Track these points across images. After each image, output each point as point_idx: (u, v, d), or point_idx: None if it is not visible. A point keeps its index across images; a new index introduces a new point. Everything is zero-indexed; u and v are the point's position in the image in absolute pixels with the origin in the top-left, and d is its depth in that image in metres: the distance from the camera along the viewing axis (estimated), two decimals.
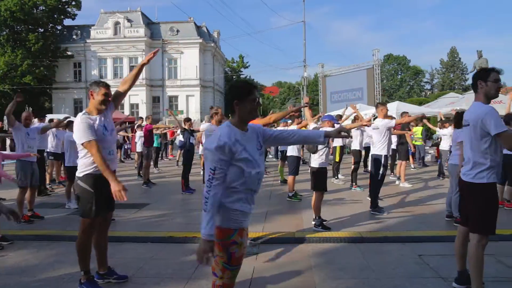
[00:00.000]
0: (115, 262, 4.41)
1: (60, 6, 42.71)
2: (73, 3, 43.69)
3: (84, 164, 3.73)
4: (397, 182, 10.44)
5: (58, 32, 44.52)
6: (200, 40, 43.55)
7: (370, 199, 7.21)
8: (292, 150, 8.59)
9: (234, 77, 59.77)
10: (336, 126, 6.19)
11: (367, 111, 16.55)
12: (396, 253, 4.84)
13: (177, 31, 44.15)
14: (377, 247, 5.13)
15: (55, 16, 43.49)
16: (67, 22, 45.02)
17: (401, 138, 10.59)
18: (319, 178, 6.10)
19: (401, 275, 4.12)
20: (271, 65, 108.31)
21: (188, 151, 9.68)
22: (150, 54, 3.78)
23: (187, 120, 10.17)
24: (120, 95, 4.04)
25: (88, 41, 43.00)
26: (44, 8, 41.63)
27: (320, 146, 6.06)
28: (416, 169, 14.00)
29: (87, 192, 3.70)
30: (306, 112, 6.79)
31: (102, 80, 3.26)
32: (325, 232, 5.80)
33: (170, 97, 44.52)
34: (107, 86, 3.86)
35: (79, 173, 3.76)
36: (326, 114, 6.68)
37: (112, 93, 3.93)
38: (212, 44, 46.55)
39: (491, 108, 3.33)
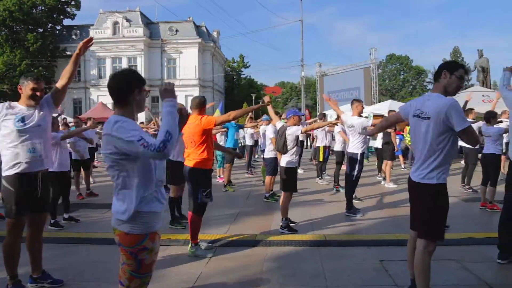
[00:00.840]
0: (59, 265, 4.20)
1: (59, 6, 42.67)
2: (72, 3, 43.64)
3: (6, 162, 3.51)
4: (382, 183, 10.14)
5: (57, 32, 44.50)
6: (199, 40, 43.35)
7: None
8: (268, 151, 8.34)
9: (234, 77, 59.62)
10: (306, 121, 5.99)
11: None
12: (358, 258, 4.58)
13: (176, 30, 43.97)
14: (340, 251, 4.86)
15: (55, 16, 43.47)
16: (66, 22, 45.06)
17: (385, 137, 10.26)
18: (287, 178, 5.84)
19: (354, 283, 3.86)
20: (267, 65, 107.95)
21: None
22: (81, 43, 3.49)
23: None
24: (58, 91, 3.78)
25: None
26: (43, 8, 41.60)
27: (290, 146, 5.83)
28: (406, 169, 13.66)
29: (8, 191, 3.49)
30: (270, 111, 6.51)
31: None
32: (289, 234, 5.55)
33: None
34: (36, 80, 3.61)
35: (3, 172, 3.54)
36: (290, 110, 6.39)
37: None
38: (211, 44, 46.33)
39: (454, 100, 3.01)
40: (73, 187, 7.66)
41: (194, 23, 45.03)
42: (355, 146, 6.82)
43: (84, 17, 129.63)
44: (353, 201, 7.03)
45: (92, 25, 43.86)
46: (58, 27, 44.89)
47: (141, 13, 43.98)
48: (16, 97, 3.83)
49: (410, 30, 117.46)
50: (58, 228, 6.07)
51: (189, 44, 43.33)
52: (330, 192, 9.08)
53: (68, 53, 43.17)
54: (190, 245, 4.69)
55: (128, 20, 42.72)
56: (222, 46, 53.93)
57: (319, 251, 4.85)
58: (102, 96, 42.91)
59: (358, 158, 6.75)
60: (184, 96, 43.88)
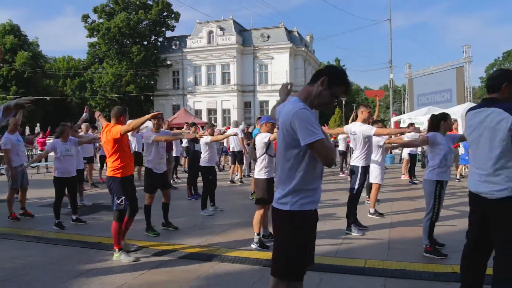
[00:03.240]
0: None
1: (160, 19, 45.80)
2: (172, 15, 46.61)
3: None
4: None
5: (159, 43, 47.73)
6: (290, 45, 43.21)
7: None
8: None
9: None
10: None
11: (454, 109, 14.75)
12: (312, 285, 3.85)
13: (268, 36, 44.38)
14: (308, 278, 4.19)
15: (157, 29, 46.79)
16: (167, 33, 48.13)
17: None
18: (259, 190, 5.38)
19: None
20: (356, 69, 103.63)
21: (192, 158, 9.46)
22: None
23: (192, 125, 10.03)
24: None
25: (184, 50, 45.32)
26: (147, 22, 45.02)
27: (258, 153, 5.43)
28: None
29: None
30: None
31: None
32: (256, 251, 5.04)
33: (261, 102, 44.86)
34: None
35: None
36: (264, 116, 6.07)
37: None
38: (303, 48, 45.90)
39: (303, 108, 2.35)
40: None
41: (285, 28, 45.08)
42: (357, 158, 6.08)
43: (183, 28, 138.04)
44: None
45: (189, 35, 46.20)
46: (160, 39, 48.19)
47: (234, 21, 45.23)
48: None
49: None
50: (60, 228, 6.32)
51: (280, 49, 43.42)
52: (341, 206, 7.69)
53: (168, 62, 46.14)
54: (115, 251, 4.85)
55: (222, 29, 44.21)
56: (316, 50, 53.34)
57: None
58: (197, 103, 45.03)
59: (360, 171, 5.95)
60: (276, 101, 43.97)
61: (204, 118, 41.32)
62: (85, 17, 45.05)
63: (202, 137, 7.60)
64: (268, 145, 5.44)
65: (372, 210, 7.01)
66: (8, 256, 4.99)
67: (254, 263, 4.63)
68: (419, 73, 26.56)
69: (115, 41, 43.69)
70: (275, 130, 5.38)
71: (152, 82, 46.84)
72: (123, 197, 4.84)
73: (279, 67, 43.03)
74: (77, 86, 47.80)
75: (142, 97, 44.75)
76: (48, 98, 36.54)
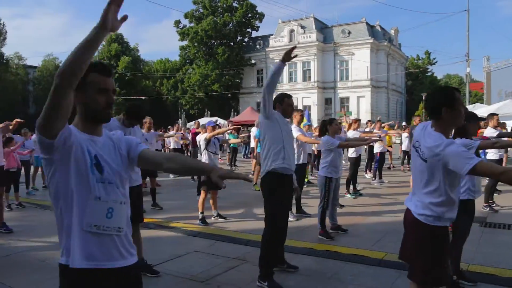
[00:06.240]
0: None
1: (245, 20, 48.17)
2: (256, 16, 48.71)
3: None
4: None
5: (244, 43, 50.19)
6: (371, 40, 42.78)
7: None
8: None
9: (419, 75, 55.77)
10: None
11: None
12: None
13: (349, 32, 44.42)
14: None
15: (243, 29, 49.27)
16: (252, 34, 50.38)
17: None
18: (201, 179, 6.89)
19: None
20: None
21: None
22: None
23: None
24: None
25: (267, 49, 47.20)
26: (232, 24, 47.71)
27: (200, 150, 7.09)
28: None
29: None
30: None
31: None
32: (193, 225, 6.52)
33: (341, 99, 45.14)
34: None
35: None
36: (209, 121, 7.43)
37: None
38: (385, 43, 45.09)
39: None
40: None
41: (367, 23, 44.69)
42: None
43: (267, 27, 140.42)
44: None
45: (272, 34, 47.95)
46: (246, 39, 50.67)
47: (315, 19, 45.96)
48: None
49: None
50: None
51: (361, 45, 43.24)
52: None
53: (253, 61, 48.40)
54: None
55: (302, 27, 45.27)
56: (402, 44, 51.74)
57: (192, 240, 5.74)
58: None
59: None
60: (356, 97, 44.09)
61: None
62: (177, 23, 48.98)
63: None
64: (207, 143, 6.94)
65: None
66: None
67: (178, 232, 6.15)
68: (498, 65, 25.11)
69: (202, 43, 46.93)
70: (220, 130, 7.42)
71: (238, 81, 49.39)
72: None
73: (360, 63, 42.93)
74: (172, 86, 52.08)
75: (229, 95, 47.40)
76: (143, 98, 40.75)
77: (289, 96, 4.29)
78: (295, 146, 6.88)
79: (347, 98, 44.80)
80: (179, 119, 30.75)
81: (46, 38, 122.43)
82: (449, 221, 2.59)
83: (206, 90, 46.00)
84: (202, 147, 7.07)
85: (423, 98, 29.80)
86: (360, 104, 44.03)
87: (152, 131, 8.28)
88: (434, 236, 2.53)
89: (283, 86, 46.65)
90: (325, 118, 11.59)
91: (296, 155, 6.92)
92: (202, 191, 6.80)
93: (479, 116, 4.18)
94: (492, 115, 7.79)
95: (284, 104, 4.16)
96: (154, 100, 49.29)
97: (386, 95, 46.20)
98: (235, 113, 36.03)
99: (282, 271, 4.33)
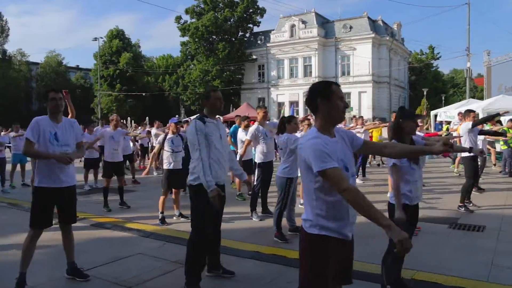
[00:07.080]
0: None
1: (246, 16, 47.82)
2: (258, 11, 48.31)
3: None
4: None
5: (245, 39, 49.84)
6: (373, 35, 42.20)
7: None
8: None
9: (423, 70, 55.12)
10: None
11: None
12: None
13: (350, 27, 43.88)
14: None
15: (244, 25, 48.91)
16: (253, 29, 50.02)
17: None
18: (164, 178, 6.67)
19: None
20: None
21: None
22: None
23: (244, 119, 9.41)
24: None
25: (268, 45, 46.84)
26: (233, 19, 47.36)
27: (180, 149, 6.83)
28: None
29: None
30: None
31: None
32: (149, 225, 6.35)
33: None
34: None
35: None
36: (172, 118, 7.17)
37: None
38: (387, 38, 44.48)
39: None
40: None
41: (369, 18, 44.12)
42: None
43: (268, 22, 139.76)
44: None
45: (273, 30, 47.57)
46: (247, 35, 50.29)
47: (317, 14, 45.49)
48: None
49: None
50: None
51: (362, 40, 42.72)
52: None
53: (254, 57, 48.10)
54: None
55: (303, 22, 44.84)
56: (406, 39, 51.04)
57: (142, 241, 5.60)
58: (280, 95, 46.32)
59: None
60: (358, 92, 43.62)
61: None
62: (178, 18, 48.72)
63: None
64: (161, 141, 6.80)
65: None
66: None
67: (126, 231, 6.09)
68: (498, 60, 24.55)
69: (203, 39, 46.67)
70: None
71: (239, 76, 49.12)
72: None
73: (361, 58, 42.41)
74: (174, 81, 51.97)
75: (231, 91, 47.12)
76: (143, 94, 40.66)
77: (215, 90, 4.10)
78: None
79: (349, 94, 44.22)
80: (177, 115, 30.50)
81: (52, 34, 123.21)
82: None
83: (207, 86, 45.88)
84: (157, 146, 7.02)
85: (425, 93, 29.33)
86: (362, 100, 43.56)
87: (119, 128, 8.07)
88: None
89: (284, 82, 46.39)
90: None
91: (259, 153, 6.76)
92: (163, 190, 6.63)
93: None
94: (468, 111, 7.54)
95: (212, 99, 3.96)
96: (155, 96, 49.28)
97: (388, 90, 45.66)
98: (234, 108, 35.72)
99: (217, 277, 4.14)
